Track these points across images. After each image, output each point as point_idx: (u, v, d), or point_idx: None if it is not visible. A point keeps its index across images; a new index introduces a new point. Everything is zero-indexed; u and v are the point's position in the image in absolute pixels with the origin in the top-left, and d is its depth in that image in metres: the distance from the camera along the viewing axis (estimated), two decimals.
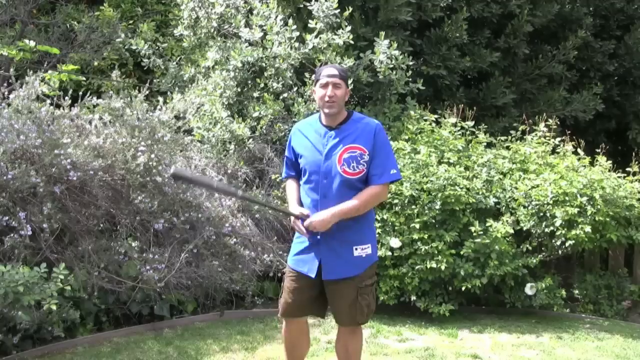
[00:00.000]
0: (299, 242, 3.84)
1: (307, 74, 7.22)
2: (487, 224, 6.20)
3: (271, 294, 6.67)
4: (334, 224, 3.66)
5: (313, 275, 3.74)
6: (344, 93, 3.74)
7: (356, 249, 3.74)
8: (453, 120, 7.05)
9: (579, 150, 7.04)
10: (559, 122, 7.79)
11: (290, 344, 4.00)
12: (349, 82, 7.02)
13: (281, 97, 7.23)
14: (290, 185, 3.97)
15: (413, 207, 6.19)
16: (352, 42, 7.24)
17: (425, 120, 7.14)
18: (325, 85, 3.71)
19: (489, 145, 7.27)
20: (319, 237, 3.72)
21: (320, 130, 3.79)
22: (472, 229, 6.14)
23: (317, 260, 3.73)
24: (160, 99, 6.54)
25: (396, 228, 6.19)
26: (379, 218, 6.22)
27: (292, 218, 3.81)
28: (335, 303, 3.83)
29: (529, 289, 6.30)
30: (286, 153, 3.98)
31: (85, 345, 5.25)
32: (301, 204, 3.84)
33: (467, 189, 6.29)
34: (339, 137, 3.73)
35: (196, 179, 4.20)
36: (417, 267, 6.12)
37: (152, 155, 5.84)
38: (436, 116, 7.21)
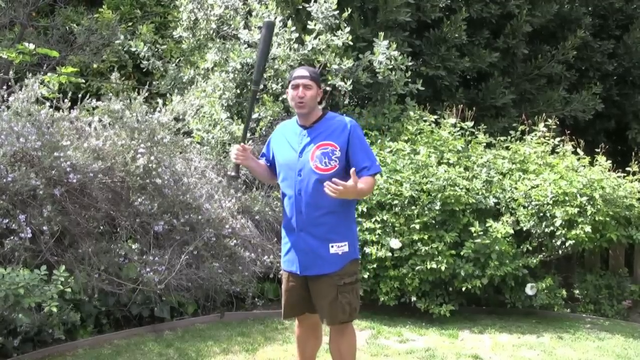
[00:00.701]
0: (284, 242, 3.94)
1: None
2: (487, 225, 6.20)
3: (271, 295, 6.68)
4: (311, 221, 3.76)
5: (299, 272, 3.85)
6: (314, 93, 3.84)
7: (332, 246, 3.79)
8: (452, 120, 7.05)
9: (578, 150, 7.04)
10: (558, 122, 7.79)
11: (299, 341, 4.12)
12: (349, 83, 7.07)
13: (280, 99, 7.23)
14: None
15: (413, 207, 6.19)
16: (351, 43, 7.24)
17: (425, 120, 7.14)
18: (296, 87, 3.83)
19: (489, 145, 7.27)
20: (298, 234, 3.81)
21: (296, 129, 3.91)
22: (472, 229, 6.14)
23: (297, 257, 3.84)
24: (160, 100, 6.54)
25: (396, 229, 6.19)
26: (379, 219, 6.23)
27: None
28: (316, 301, 3.87)
29: (529, 289, 6.30)
30: (263, 149, 4.12)
31: (86, 348, 5.25)
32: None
33: (466, 190, 6.29)
34: (312, 135, 3.84)
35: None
36: (417, 268, 6.12)
37: (152, 157, 5.84)
38: (435, 117, 7.21)
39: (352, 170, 3.59)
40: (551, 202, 6.25)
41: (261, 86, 4.03)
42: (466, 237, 6.22)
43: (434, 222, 6.21)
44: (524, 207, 6.38)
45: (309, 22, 7.33)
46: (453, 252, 6.16)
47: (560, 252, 6.45)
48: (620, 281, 6.88)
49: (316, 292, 3.84)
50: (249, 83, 7.44)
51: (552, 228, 6.24)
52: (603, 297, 6.76)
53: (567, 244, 6.22)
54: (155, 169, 5.89)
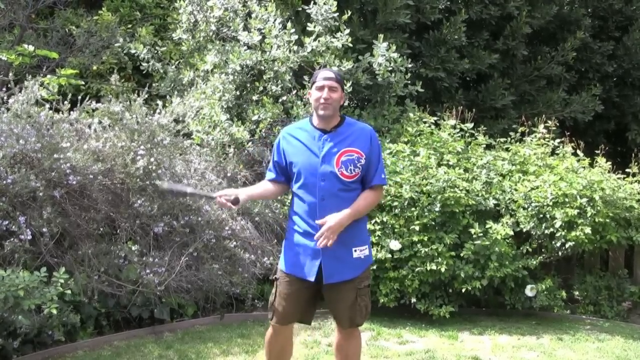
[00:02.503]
0: (294, 245, 3.80)
1: (306, 77, 7.24)
2: (487, 226, 6.20)
3: None
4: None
5: (313, 279, 3.72)
6: (339, 96, 3.75)
7: (355, 250, 3.75)
8: (452, 122, 7.05)
9: (578, 151, 7.05)
10: (558, 124, 7.80)
11: (280, 350, 3.97)
12: (348, 84, 7.07)
13: (280, 100, 7.24)
14: (264, 183, 3.98)
15: (413, 209, 6.19)
16: (350, 44, 7.25)
17: (425, 122, 7.14)
18: (321, 88, 3.72)
19: (489, 147, 7.28)
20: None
21: (313, 133, 3.77)
22: (472, 230, 6.14)
23: (317, 263, 3.72)
24: (160, 102, 6.54)
25: (396, 230, 6.19)
26: (378, 220, 6.23)
27: (217, 196, 3.76)
28: (335, 306, 3.82)
29: (529, 291, 6.30)
30: (274, 158, 3.90)
31: (86, 349, 5.25)
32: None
33: (466, 191, 6.29)
34: (335, 140, 3.73)
35: (176, 190, 4.23)
36: (417, 269, 6.12)
37: (152, 159, 5.84)
38: (435, 118, 7.22)
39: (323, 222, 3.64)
40: (551, 203, 6.25)
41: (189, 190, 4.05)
42: (466, 239, 6.22)
43: (433, 223, 6.21)
44: (524, 208, 6.38)
45: (308, 24, 7.33)
46: (453, 253, 6.16)
47: (560, 253, 6.45)
48: (620, 282, 6.87)
49: (335, 297, 3.79)
50: (248, 85, 7.45)
51: (551, 229, 6.24)
52: (603, 299, 6.76)
53: (567, 246, 6.22)
54: (155, 171, 5.89)
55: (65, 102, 5.80)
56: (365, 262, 3.81)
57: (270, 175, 3.94)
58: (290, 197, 3.95)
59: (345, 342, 3.94)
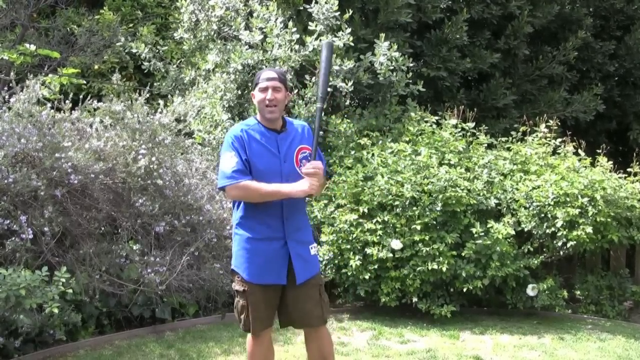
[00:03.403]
0: (256, 254, 3.66)
1: (307, 77, 7.24)
2: (488, 225, 6.20)
3: None
4: (296, 226, 3.72)
5: (285, 282, 3.70)
6: (283, 96, 3.71)
7: (311, 247, 3.79)
8: (454, 121, 7.05)
9: (579, 151, 7.04)
10: (559, 123, 7.80)
11: (266, 352, 3.89)
12: (350, 83, 7.08)
13: None
14: (253, 182, 3.61)
15: (414, 208, 6.19)
16: (352, 44, 7.24)
17: (426, 121, 7.14)
18: (264, 89, 3.65)
19: (490, 146, 7.27)
20: (284, 242, 3.67)
21: (267, 134, 3.70)
22: (473, 230, 6.14)
23: (286, 266, 3.69)
24: (161, 102, 6.55)
25: (397, 230, 6.18)
26: (380, 220, 6.23)
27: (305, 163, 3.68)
28: (303, 306, 3.76)
29: (530, 290, 6.29)
30: (242, 156, 3.63)
31: (87, 349, 5.25)
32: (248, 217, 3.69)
33: (468, 191, 6.29)
34: (288, 139, 3.74)
35: None
36: (418, 269, 6.11)
37: (153, 159, 5.84)
38: (437, 118, 7.22)
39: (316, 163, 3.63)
40: (552, 203, 6.24)
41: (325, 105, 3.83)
42: (467, 238, 6.22)
43: (435, 223, 6.21)
44: (525, 208, 6.38)
45: (310, 23, 7.33)
46: (454, 253, 6.16)
47: (561, 253, 6.44)
48: (621, 282, 6.87)
49: (303, 297, 3.74)
50: (249, 84, 7.45)
51: (553, 229, 6.24)
52: (604, 298, 6.75)
53: (568, 245, 6.22)
54: (157, 170, 5.90)
55: (67, 102, 5.81)
56: (317, 258, 3.89)
57: (243, 178, 3.60)
58: (235, 204, 3.77)
59: (320, 342, 3.89)
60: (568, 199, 6.21)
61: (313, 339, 3.90)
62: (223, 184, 3.63)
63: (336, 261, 6.32)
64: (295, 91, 7.22)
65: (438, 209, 6.16)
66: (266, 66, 7.23)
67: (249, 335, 3.83)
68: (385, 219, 6.22)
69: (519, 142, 7.21)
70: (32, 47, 6.11)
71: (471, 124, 7.14)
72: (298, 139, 3.76)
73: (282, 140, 3.72)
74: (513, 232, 6.23)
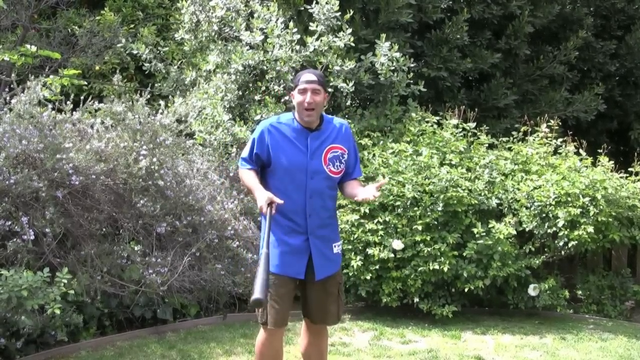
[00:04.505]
0: (277, 244, 3.72)
1: None
2: (490, 225, 6.20)
3: None
4: (320, 223, 3.76)
5: (303, 277, 3.76)
6: (322, 99, 3.75)
7: (335, 246, 3.83)
8: (454, 121, 7.05)
9: (580, 150, 7.04)
10: (560, 123, 7.79)
11: (274, 355, 3.88)
12: (350, 84, 7.07)
13: (282, 100, 7.23)
14: (250, 173, 3.78)
15: (415, 209, 6.19)
16: (353, 44, 7.25)
17: (427, 122, 7.14)
18: (304, 91, 3.70)
19: (491, 146, 7.27)
20: (306, 238, 3.73)
21: (299, 130, 3.77)
22: (475, 230, 6.14)
23: (305, 261, 3.74)
24: (162, 102, 6.54)
25: (398, 230, 6.18)
26: (381, 220, 6.23)
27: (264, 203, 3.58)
28: (322, 303, 3.83)
29: (532, 290, 6.29)
30: (255, 149, 3.77)
31: (89, 350, 5.25)
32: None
33: (469, 191, 6.29)
34: (320, 138, 3.78)
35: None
36: (419, 269, 6.11)
37: (154, 159, 5.84)
38: (438, 118, 7.22)
39: (375, 186, 3.68)
40: (553, 202, 6.24)
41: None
42: (468, 238, 6.22)
43: (436, 223, 6.21)
44: (527, 207, 6.38)
45: (310, 23, 7.33)
46: (455, 253, 6.16)
47: (562, 252, 6.44)
48: (623, 282, 6.87)
49: (322, 294, 3.81)
50: (250, 85, 7.45)
51: (554, 229, 6.24)
52: (606, 298, 6.75)
53: (569, 245, 6.22)
54: (158, 171, 5.89)
55: (68, 103, 5.80)
56: (340, 257, 3.94)
57: (247, 165, 3.81)
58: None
59: (319, 339, 3.97)
60: (569, 199, 6.21)
61: (313, 338, 3.96)
62: (237, 163, 3.94)
63: None
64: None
65: (439, 209, 6.16)
66: (266, 67, 7.24)
67: (261, 333, 3.83)
68: (387, 219, 6.22)
69: (520, 142, 7.22)
70: (33, 48, 6.10)
71: (472, 124, 7.14)
72: (332, 137, 3.81)
73: (314, 138, 3.77)
74: (514, 232, 6.24)
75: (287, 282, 3.76)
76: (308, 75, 3.75)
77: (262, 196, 3.56)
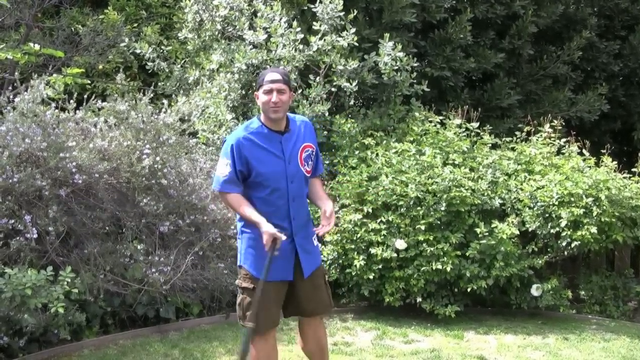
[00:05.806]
0: (262, 254, 3.65)
1: (311, 76, 7.23)
2: (493, 225, 6.19)
3: None
4: (302, 223, 3.83)
5: (292, 278, 3.79)
6: (288, 98, 3.72)
7: (314, 239, 3.88)
8: (458, 121, 7.04)
9: (584, 151, 7.03)
10: (564, 123, 7.77)
11: (271, 349, 3.89)
12: (354, 83, 7.07)
13: None
14: (240, 199, 3.71)
15: (418, 208, 6.18)
16: (356, 44, 7.24)
17: (430, 121, 7.13)
18: (269, 92, 3.65)
19: (494, 146, 7.26)
20: (291, 240, 3.74)
21: (270, 136, 3.72)
22: (478, 230, 6.13)
23: (292, 263, 3.78)
24: (165, 101, 6.55)
25: (401, 229, 6.18)
26: (384, 219, 6.22)
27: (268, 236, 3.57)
28: (313, 296, 3.87)
29: (534, 290, 6.29)
30: (236, 166, 3.66)
31: (91, 348, 5.26)
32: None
33: (472, 190, 6.28)
34: (292, 139, 3.77)
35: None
36: (422, 269, 6.11)
37: (157, 158, 5.85)
38: (441, 117, 7.21)
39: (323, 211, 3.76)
40: (557, 203, 6.23)
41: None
42: (471, 238, 6.21)
43: (439, 222, 6.20)
44: (530, 208, 6.37)
45: (314, 22, 7.33)
46: (458, 252, 6.15)
47: (565, 253, 6.43)
48: (626, 282, 6.85)
49: (310, 288, 3.84)
50: (254, 84, 7.44)
51: (557, 229, 6.22)
52: (609, 298, 6.74)
53: (572, 245, 6.20)
54: (161, 170, 5.90)
55: (71, 101, 5.82)
56: (319, 248, 4.01)
57: (232, 188, 3.70)
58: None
59: (318, 331, 3.99)
60: (572, 199, 6.20)
61: (312, 332, 3.98)
62: (215, 187, 3.81)
63: (340, 261, 6.32)
64: (300, 91, 7.21)
65: (442, 208, 6.15)
66: (270, 66, 7.23)
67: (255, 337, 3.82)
68: (390, 218, 6.21)
69: (523, 142, 7.20)
70: (37, 47, 6.10)
71: (475, 124, 7.13)
72: (301, 137, 3.82)
73: (286, 141, 3.76)
74: (517, 232, 6.23)
75: (279, 287, 3.79)
76: (272, 75, 3.70)
77: (269, 233, 3.56)
